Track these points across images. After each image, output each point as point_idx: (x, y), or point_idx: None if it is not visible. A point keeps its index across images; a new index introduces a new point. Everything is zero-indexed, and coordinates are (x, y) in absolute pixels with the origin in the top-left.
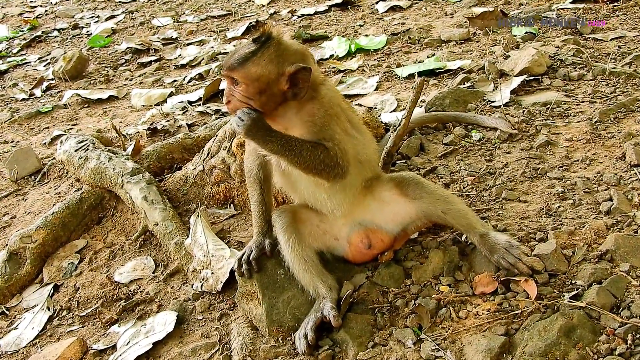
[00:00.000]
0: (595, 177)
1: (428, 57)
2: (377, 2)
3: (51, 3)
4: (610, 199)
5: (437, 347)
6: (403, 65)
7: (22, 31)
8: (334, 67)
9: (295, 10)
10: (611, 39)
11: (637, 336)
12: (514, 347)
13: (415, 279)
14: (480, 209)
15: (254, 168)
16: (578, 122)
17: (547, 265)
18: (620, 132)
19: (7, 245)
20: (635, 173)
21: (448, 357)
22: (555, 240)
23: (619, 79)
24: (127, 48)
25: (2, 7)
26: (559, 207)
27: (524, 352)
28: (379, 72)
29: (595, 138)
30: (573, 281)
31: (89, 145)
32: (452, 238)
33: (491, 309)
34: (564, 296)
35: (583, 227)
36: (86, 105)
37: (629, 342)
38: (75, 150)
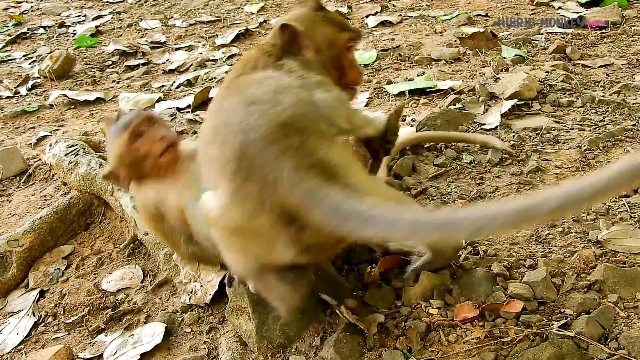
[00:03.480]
0: None
1: (418, 75)
2: (367, 16)
3: None
4: (599, 229)
5: None
6: (393, 82)
7: (7, 26)
8: None
9: None
10: (599, 66)
11: None
12: None
13: (406, 301)
14: None
15: None
16: (567, 149)
17: (536, 293)
18: (609, 162)
19: None
20: (624, 204)
21: None
22: (545, 268)
23: (607, 108)
24: (115, 50)
25: None
26: (548, 234)
27: None
28: (369, 87)
29: (585, 166)
30: (562, 310)
31: (79, 150)
32: None
33: (481, 335)
34: (552, 325)
35: (572, 255)
36: (72, 106)
37: None
38: (65, 155)
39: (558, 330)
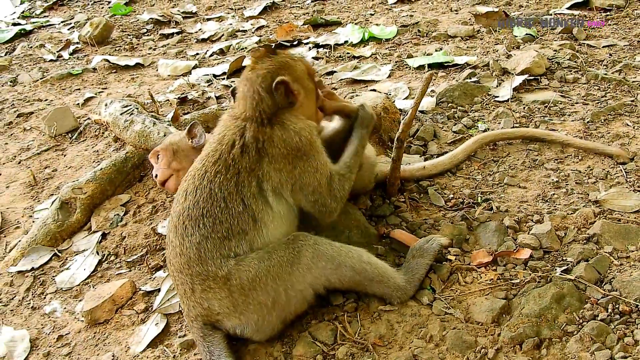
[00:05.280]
0: (585, 170)
1: (436, 51)
2: None
3: None
4: (598, 191)
5: (447, 305)
6: (413, 56)
7: None
8: (348, 53)
9: None
10: (603, 46)
11: (616, 306)
12: (512, 309)
13: None
14: (485, 191)
15: None
16: (572, 121)
17: (542, 243)
18: (609, 133)
19: (59, 194)
20: (621, 169)
21: (457, 314)
22: (550, 222)
23: (609, 85)
24: (150, 19)
25: None
26: (553, 194)
27: (521, 313)
28: (390, 60)
29: (587, 136)
30: (564, 258)
31: (133, 110)
32: (461, 215)
33: (493, 277)
34: (556, 270)
35: (574, 213)
36: (113, 70)
37: (609, 310)
38: (121, 114)
39: (560, 274)
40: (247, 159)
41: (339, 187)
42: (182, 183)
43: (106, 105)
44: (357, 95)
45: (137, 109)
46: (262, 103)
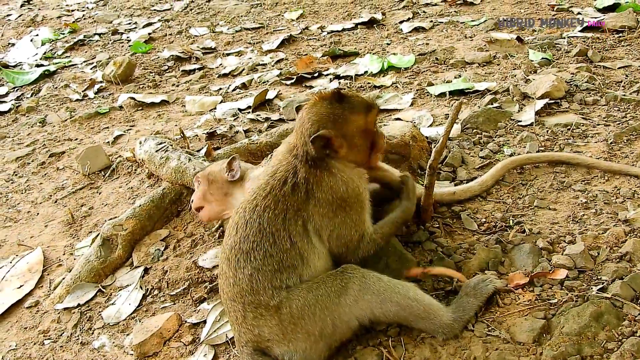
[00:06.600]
0: (613, 190)
1: (455, 78)
2: (401, 22)
3: (87, 8)
4: (627, 210)
5: (488, 327)
6: (433, 84)
7: (64, 34)
8: (369, 83)
9: (324, 26)
10: (618, 68)
11: None
12: (552, 329)
13: (465, 272)
14: (517, 214)
15: None
16: (596, 142)
17: (577, 263)
18: (633, 153)
19: (99, 232)
20: None
21: (502, 335)
22: (583, 242)
23: (629, 105)
24: (170, 55)
25: (39, 9)
26: (583, 215)
27: (562, 332)
28: (411, 89)
29: (611, 157)
30: (599, 277)
31: (167, 147)
32: (495, 238)
33: (531, 298)
34: (592, 289)
35: (605, 232)
36: (140, 108)
37: None
38: (156, 151)
39: (597, 293)
40: (296, 198)
41: (365, 249)
42: (233, 215)
43: (140, 143)
44: (384, 125)
45: (171, 145)
46: (306, 146)
